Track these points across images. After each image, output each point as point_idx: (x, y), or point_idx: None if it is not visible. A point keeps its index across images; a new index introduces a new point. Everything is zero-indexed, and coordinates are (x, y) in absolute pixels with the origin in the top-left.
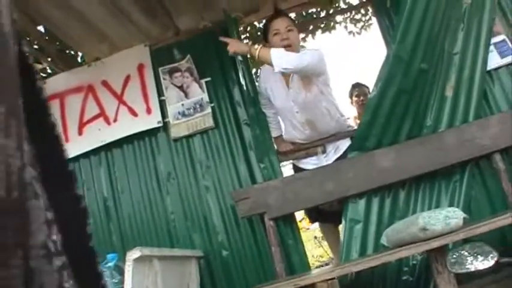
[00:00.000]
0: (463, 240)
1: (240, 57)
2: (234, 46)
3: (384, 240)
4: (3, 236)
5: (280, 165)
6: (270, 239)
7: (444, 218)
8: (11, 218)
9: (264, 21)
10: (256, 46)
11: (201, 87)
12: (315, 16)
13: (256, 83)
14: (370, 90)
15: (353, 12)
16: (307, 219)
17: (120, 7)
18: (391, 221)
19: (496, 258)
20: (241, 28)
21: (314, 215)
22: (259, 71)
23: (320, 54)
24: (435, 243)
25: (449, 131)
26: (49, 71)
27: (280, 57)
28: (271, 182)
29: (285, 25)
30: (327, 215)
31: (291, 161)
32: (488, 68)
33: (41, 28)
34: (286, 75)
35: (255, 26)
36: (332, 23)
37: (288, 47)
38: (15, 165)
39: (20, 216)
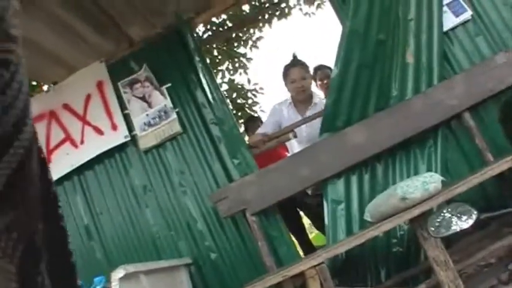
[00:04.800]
0: (447, 203)
1: (197, 58)
2: None
3: (367, 216)
4: None
5: None
6: (255, 234)
7: (422, 184)
8: None
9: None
10: None
11: (162, 94)
12: (268, 5)
13: (218, 81)
14: None
15: None
16: None
17: (70, 27)
18: (372, 196)
19: (476, 215)
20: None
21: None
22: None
23: None
24: (416, 211)
25: (415, 97)
26: None
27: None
28: (246, 178)
29: (300, 75)
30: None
31: None
32: (445, 29)
33: None
34: (302, 108)
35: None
36: (287, 9)
37: (302, 93)
38: None
39: None
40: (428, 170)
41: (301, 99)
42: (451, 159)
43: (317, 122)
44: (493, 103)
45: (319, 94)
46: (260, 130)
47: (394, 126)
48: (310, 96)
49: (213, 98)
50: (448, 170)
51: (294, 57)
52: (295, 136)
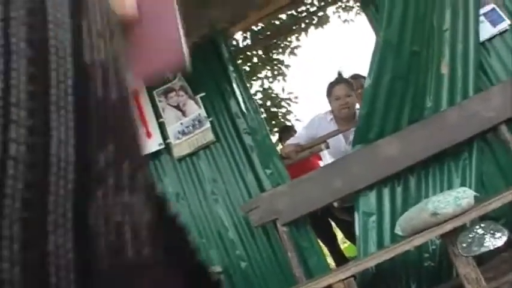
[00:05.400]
0: (480, 219)
1: (231, 67)
2: None
3: (398, 230)
4: None
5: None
6: (285, 245)
7: (454, 199)
8: (146, 277)
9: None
10: None
11: (197, 103)
12: (305, 14)
13: (251, 91)
14: None
15: (344, 1)
16: None
17: None
18: (404, 209)
19: (509, 234)
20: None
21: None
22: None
23: None
24: (448, 226)
25: (450, 109)
26: None
27: None
28: (278, 188)
29: (344, 92)
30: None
31: None
32: (482, 39)
33: None
34: (344, 126)
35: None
36: (324, 17)
37: (346, 110)
38: (142, 222)
39: (156, 273)
40: (463, 183)
41: (344, 116)
42: (487, 173)
43: None
44: None
45: None
46: (293, 140)
47: (428, 138)
48: (354, 114)
49: (247, 108)
50: (483, 184)
51: (339, 74)
52: (327, 147)
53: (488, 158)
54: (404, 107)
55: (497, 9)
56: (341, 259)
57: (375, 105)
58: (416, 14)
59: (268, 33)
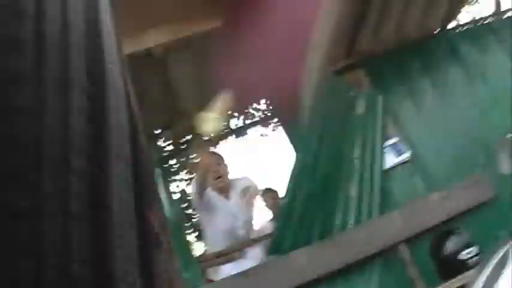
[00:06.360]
0: None
1: None
2: None
3: None
4: None
5: None
6: None
7: None
8: None
9: None
10: None
11: None
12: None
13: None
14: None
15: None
16: None
17: None
18: None
19: None
20: None
21: None
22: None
23: None
24: None
25: (356, 228)
26: None
27: None
28: None
29: (215, 161)
30: None
31: None
32: (387, 167)
33: None
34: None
35: None
36: (242, 129)
37: (220, 178)
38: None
39: None
40: None
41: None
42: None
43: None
44: (426, 237)
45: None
46: None
47: (335, 253)
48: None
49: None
50: None
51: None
52: (242, 256)
53: (388, 274)
54: (316, 223)
55: (400, 143)
56: None
57: (290, 221)
58: (331, 143)
59: (189, 137)
